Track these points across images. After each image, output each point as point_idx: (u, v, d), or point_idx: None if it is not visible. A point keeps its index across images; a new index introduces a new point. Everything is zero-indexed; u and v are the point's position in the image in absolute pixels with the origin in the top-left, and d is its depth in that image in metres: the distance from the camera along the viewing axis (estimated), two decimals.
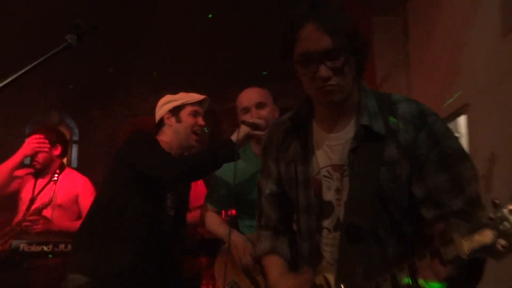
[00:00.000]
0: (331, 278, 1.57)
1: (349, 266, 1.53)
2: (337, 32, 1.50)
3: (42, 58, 1.67)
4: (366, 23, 4.91)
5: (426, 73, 4.33)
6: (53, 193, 3.62)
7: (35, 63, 1.66)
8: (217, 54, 7.21)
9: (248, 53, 7.00)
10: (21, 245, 3.17)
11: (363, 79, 1.69)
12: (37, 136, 3.73)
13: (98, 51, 6.42)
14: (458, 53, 3.68)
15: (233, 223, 2.85)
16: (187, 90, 2.93)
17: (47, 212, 3.56)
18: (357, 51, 1.57)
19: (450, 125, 3.78)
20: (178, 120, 2.78)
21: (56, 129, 4.02)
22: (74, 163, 8.59)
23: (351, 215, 1.55)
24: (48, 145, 3.73)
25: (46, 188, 3.68)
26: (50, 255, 3.18)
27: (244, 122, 2.56)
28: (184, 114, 2.78)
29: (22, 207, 3.63)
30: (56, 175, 3.72)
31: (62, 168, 3.82)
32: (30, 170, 3.78)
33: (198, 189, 3.70)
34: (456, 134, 3.62)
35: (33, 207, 3.56)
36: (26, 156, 3.67)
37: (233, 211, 3.08)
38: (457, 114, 3.71)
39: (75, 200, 3.76)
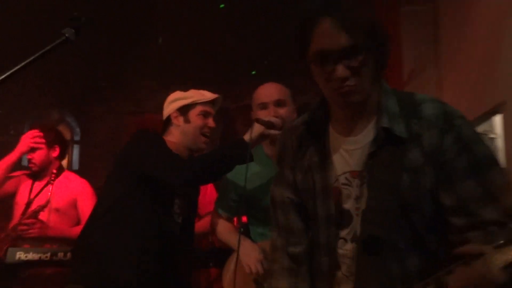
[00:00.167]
0: None
1: (366, 280, 1.54)
2: (355, 28, 1.50)
3: (38, 54, 1.69)
4: (393, 14, 4.88)
5: (459, 68, 4.29)
6: (50, 196, 3.66)
7: (30, 58, 1.68)
8: (232, 46, 7.20)
9: (265, 46, 6.99)
10: (18, 253, 3.19)
11: (386, 77, 1.69)
12: (33, 132, 3.77)
13: (101, 44, 6.47)
14: (495, 45, 3.64)
15: (244, 231, 2.86)
16: (198, 85, 2.93)
17: (43, 217, 3.60)
18: (378, 48, 1.56)
19: (485, 125, 3.74)
20: (187, 120, 2.78)
21: (55, 129, 4.05)
22: (76, 165, 8.63)
23: (369, 225, 1.55)
24: (44, 142, 3.76)
25: (43, 192, 3.72)
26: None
27: (258, 120, 2.55)
28: (194, 114, 2.78)
29: (18, 211, 3.66)
30: (53, 177, 3.75)
31: (60, 170, 3.85)
32: (27, 172, 3.82)
33: (208, 194, 3.70)
34: (492, 135, 3.60)
35: (29, 210, 3.60)
36: (22, 153, 3.71)
37: (245, 218, 3.08)
38: (492, 113, 3.68)
39: (73, 205, 3.79)
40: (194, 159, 2.68)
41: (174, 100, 2.83)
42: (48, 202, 3.61)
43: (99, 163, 7.42)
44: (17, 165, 3.77)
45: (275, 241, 1.86)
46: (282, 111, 2.68)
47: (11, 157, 3.65)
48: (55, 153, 3.85)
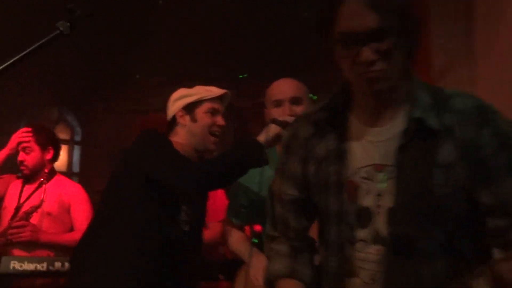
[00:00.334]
0: None
1: (395, 286, 1.53)
2: (385, 9, 1.49)
3: (29, 49, 1.69)
4: (421, 3, 4.85)
5: (496, 65, 4.25)
6: (42, 198, 3.69)
7: (21, 54, 1.68)
8: (245, 40, 7.19)
9: (280, 40, 6.98)
10: (12, 263, 3.20)
11: (415, 70, 1.68)
12: (23, 129, 3.83)
13: (103, 39, 6.50)
14: None
15: (259, 241, 2.84)
16: (207, 82, 2.93)
17: (34, 220, 3.64)
18: (409, 32, 1.55)
19: None
20: (193, 119, 2.78)
21: (48, 129, 4.10)
22: (76, 167, 8.69)
23: (399, 225, 1.54)
24: (37, 143, 3.82)
25: (34, 195, 3.76)
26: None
27: (274, 121, 2.55)
28: (200, 112, 2.78)
29: (6, 216, 3.72)
30: (45, 180, 3.79)
31: (52, 173, 3.90)
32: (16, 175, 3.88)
33: (217, 201, 3.70)
34: None
35: (21, 212, 3.65)
36: (12, 150, 3.77)
37: (258, 226, 3.07)
38: None
39: (67, 210, 3.83)
40: (204, 162, 2.68)
41: (179, 98, 2.83)
42: (41, 202, 3.65)
43: (101, 165, 7.45)
44: (7, 169, 3.84)
45: (270, 233, 1.89)
46: (298, 109, 2.68)
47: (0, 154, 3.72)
48: (49, 155, 3.89)
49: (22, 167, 3.81)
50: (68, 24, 1.79)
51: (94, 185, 4.06)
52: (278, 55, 6.99)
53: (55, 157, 3.96)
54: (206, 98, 2.79)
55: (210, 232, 3.61)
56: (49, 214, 3.73)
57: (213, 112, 2.79)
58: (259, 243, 2.81)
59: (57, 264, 3.25)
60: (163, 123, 2.93)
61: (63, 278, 3.20)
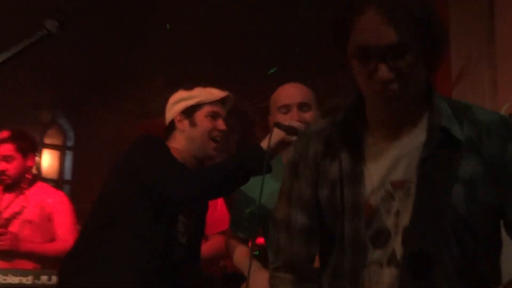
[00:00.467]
0: None
1: None
2: (405, 23, 1.46)
3: (15, 50, 1.69)
4: (441, 5, 4.84)
5: None
6: (23, 205, 3.74)
7: (5, 56, 1.67)
8: (250, 41, 7.21)
9: (288, 41, 6.98)
10: None
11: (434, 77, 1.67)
12: (1, 136, 3.88)
13: (100, 37, 6.51)
14: None
15: (263, 255, 2.83)
16: (211, 84, 2.90)
17: (14, 229, 3.67)
18: (432, 47, 1.53)
19: None
20: (193, 124, 2.75)
21: (28, 135, 4.15)
22: (68, 174, 8.71)
23: (416, 243, 1.52)
24: (12, 145, 3.85)
25: (14, 202, 3.80)
26: None
27: (278, 125, 2.53)
28: (200, 116, 2.75)
29: None
30: (26, 186, 3.84)
31: (33, 180, 3.95)
32: None
33: (218, 211, 3.69)
34: None
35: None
36: None
37: (260, 239, 3.06)
38: None
39: (48, 218, 3.87)
40: (203, 171, 2.66)
41: (178, 101, 2.81)
42: (22, 209, 3.67)
43: (95, 172, 7.43)
44: None
45: (274, 263, 1.83)
46: (307, 115, 2.67)
47: None
48: (30, 162, 3.93)
49: (3, 177, 3.84)
50: (57, 23, 1.78)
51: (87, 194, 4.06)
52: (284, 57, 7.00)
53: (35, 163, 4.02)
54: (207, 101, 2.77)
55: (210, 245, 3.60)
56: (30, 222, 3.77)
57: (213, 116, 2.76)
58: (261, 256, 2.80)
59: (44, 278, 3.25)
60: (163, 127, 2.92)
61: None
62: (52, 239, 3.84)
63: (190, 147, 2.75)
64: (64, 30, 1.77)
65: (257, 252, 2.80)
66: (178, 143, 2.76)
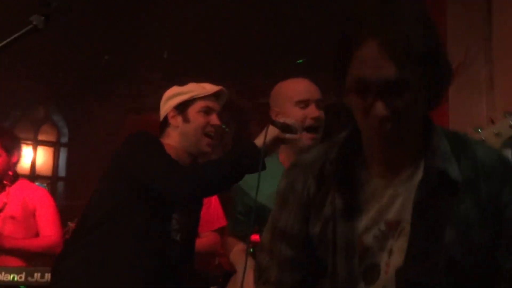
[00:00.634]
0: None
1: None
2: (406, 58, 1.39)
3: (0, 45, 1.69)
4: (439, 1, 4.85)
5: None
6: (5, 202, 3.78)
7: None
8: (247, 35, 7.19)
9: (286, 35, 6.97)
10: None
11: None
12: None
13: (95, 31, 6.49)
14: None
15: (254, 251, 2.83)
16: (208, 79, 2.90)
17: None
18: (434, 84, 1.48)
19: None
20: (186, 120, 2.74)
21: (11, 131, 4.28)
22: (62, 171, 8.68)
23: (411, 285, 1.50)
24: (2, 148, 3.87)
25: None
26: (21, 287, 3.22)
27: (274, 123, 2.53)
28: (193, 111, 2.74)
29: None
30: (8, 183, 3.89)
31: (15, 177, 3.99)
32: None
33: (212, 208, 3.69)
34: None
35: None
36: None
37: (255, 236, 3.06)
38: None
39: (32, 214, 3.92)
40: (198, 169, 2.64)
41: (171, 97, 2.81)
42: (4, 205, 3.74)
43: (90, 169, 7.43)
44: None
45: (260, 283, 1.78)
46: (322, 114, 2.70)
47: None
48: (14, 158, 3.98)
49: None
50: (43, 18, 1.78)
51: (81, 191, 4.07)
52: (281, 53, 6.99)
53: (19, 160, 4.06)
54: (199, 96, 2.76)
55: (204, 242, 3.60)
56: (12, 218, 3.81)
57: (207, 111, 2.75)
58: (256, 254, 2.79)
59: (37, 275, 3.26)
60: (156, 122, 2.92)
61: None
62: (36, 235, 3.89)
63: (184, 143, 2.75)
64: (50, 25, 1.77)
65: (253, 250, 2.79)
66: (172, 140, 2.76)
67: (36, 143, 8.54)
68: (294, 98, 2.71)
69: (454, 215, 1.49)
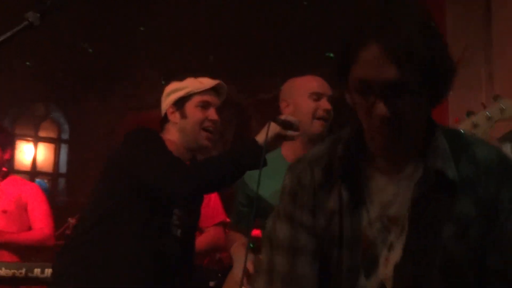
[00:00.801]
0: None
1: None
2: (408, 60, 1.41)
3: None
4: None
5: None
6: None
7: None
8: (248, 32, 7.18)
9: (287, 32, 6.97)
10: None
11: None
12: None
13: (95, 28, 6.49)
14: None
15: (256, 247, 2.83)
16: (208, 76, 2.88)
17: None
18: (436, 85, 1.49)
19: None
20: (183, 115, 2.74)
21: (5, 128, 4.31)
22: (63, 167, 8.67)
23: (407, 282, 1.52)
24: None
25: None
26: None
27: (275, 120, 2.54)
28: (191, 106, 2.73)
29: None
30: (0, 178, 3.95)
31: (7, 172, 4.06)
32: None
33: (212, 203, 3.69)
34: None
35: None
36: None
37: (256, 231, 3.07)
38: None
39: (24, 208, 3.98)
40: (199, 167, 2.62)
41: (170, 93, 2.80)
42: None
43: (91, 165, 7.43)
44: None
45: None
46: (331, 109, 2.82)
47: None
48: (7, 155, 4.03)
49: None
50: (38, 15, 1.78)
51: (82, 187, 4.08)
52: (282, 50, 6.99)
53: (12, 156, 4.17)
54: (196, 91, 2.75)
55: (205, 237, 3.61)
56: (4, 212, 3.85)
57: (204, 106, 2.74)
58: (256, 248, 2.80)
59: (37, 271, 3.26)
60: (157, 119, 2.92)
61: (43, 285, 3.20)
62: (29, 229, 3.95)
63: (183, 139, 2.74)
64: (50, 23, 1.77)
65: (252, 245, 2.80)
66: (172, 136, 2.76)
67: (36, 140, 8.58)
68: (309, 90, 2.82)
69: (452, 213, 1.50)
